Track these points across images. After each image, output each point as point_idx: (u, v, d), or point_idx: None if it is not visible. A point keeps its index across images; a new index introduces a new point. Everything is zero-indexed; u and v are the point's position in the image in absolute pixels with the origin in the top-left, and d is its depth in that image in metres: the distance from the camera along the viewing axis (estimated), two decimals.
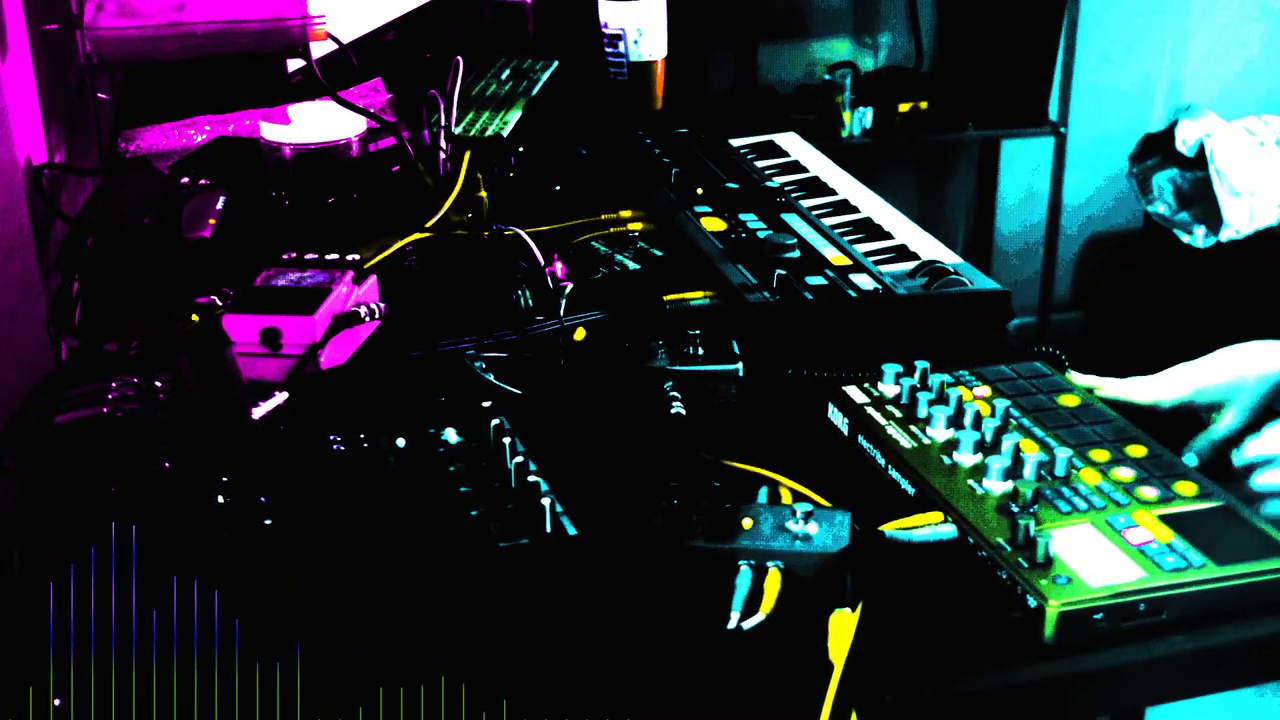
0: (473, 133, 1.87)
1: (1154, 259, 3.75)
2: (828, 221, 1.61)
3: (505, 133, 1.87)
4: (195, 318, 1.22)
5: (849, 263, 1.45)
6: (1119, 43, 3.75)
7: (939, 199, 3.91)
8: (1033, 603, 0.94)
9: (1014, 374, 1.25)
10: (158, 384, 1.11)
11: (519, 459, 1.07)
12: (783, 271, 1.39)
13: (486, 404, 1.17)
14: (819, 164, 1.89)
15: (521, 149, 1.86)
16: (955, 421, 1.14)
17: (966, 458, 1.10)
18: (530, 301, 1.46)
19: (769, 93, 3.55)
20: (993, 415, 1.14)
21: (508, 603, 0.96)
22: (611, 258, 1.60)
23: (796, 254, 1.46)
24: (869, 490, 1.12)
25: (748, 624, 0.94)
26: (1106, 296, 3.95)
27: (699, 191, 1.70)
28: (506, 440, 1.09)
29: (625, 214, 1.70)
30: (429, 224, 1.60)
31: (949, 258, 1.48)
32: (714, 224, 1.58)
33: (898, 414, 1.18)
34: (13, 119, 1.38)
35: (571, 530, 1.00)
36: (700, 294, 1.44)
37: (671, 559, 0.99)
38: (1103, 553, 0.98)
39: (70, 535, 0.93)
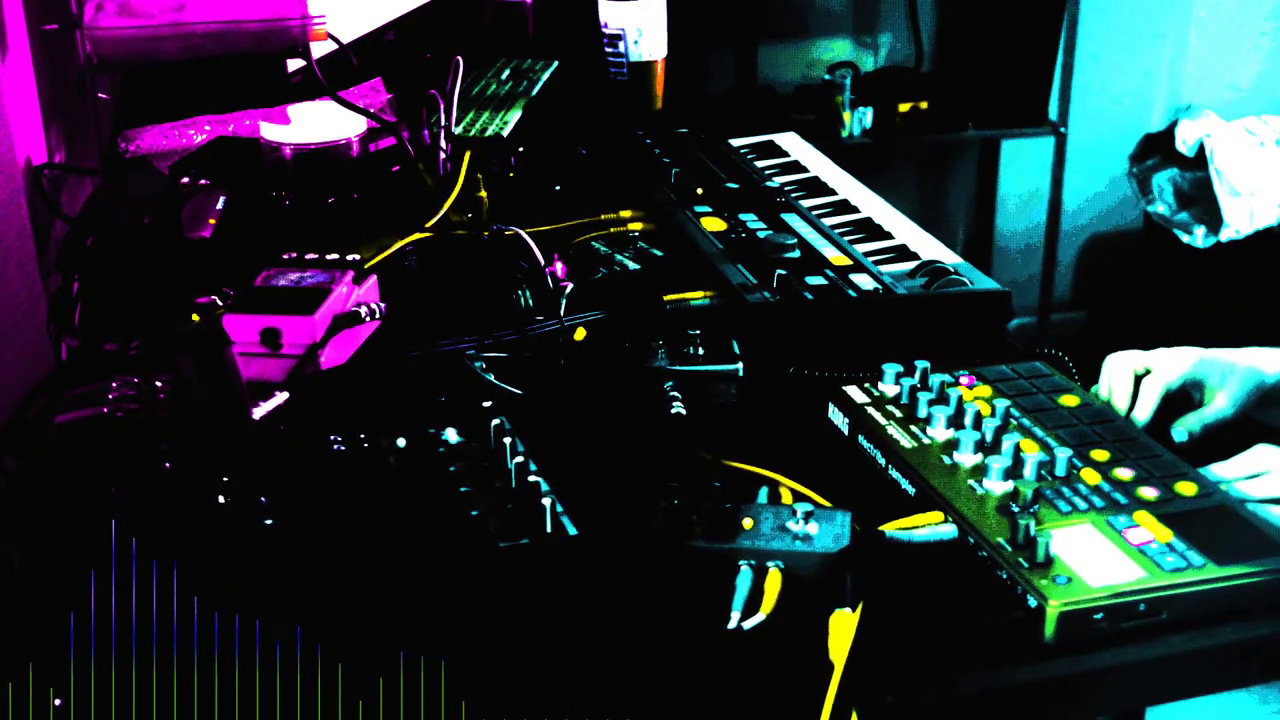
0: (473, 133, 1.87)
1: (1154, 259, 3.75)
2: (828, 221, 1.61)
3: (505, 133, 1.87)
4: (195, 318, 1.22)
5: (849, 263, 1.45)
6: (1119, 43, 3.74)
7: (939, 199, 3.91)
8: (1033, 603, 0.94)
9: (1014, 374, 1.25)
10: (158, 384, 1.11)
11: (519, 459, 1.07)
12: (783, 271, 1.39)
13: (486, 404, 1.17)
14: (819, 164, 1.89)
15: (521, 149, 1.86)
16: (955, 421, 1.14)
17: (966, 458, 1.10)
18: (530, 301, 1.46)
19: (769, 93, 3.55)
20: (993, 415, 1.14)
21: (508, 603, 0.96)
22: (611, 258, 1.60)
23: (796, 254, 1.46)
24: (869, 490, 1.12)
25: (748, 624, 0.94)
26: (1106, 296, 3.95)
27: (699, 191, 1.70)
28: (506, 440, 1.09)
29: (625, 214, 1.70)
30: (429, 224, 1.60)
31: (949, 258, 1.48)
32: (714, 224, 1.58)
33: (898, 414, 1.18)
34: (13, 119, 1.38)
35: (571, 530, 1.00)
36: (700, 294, 1.44)
37: (671, 559, 0.99)
38: (1103, 553, 0.98)
39: (70, 535, 0.94)
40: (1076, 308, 4.03)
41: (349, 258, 1.41)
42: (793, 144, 1.99)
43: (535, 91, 2.09)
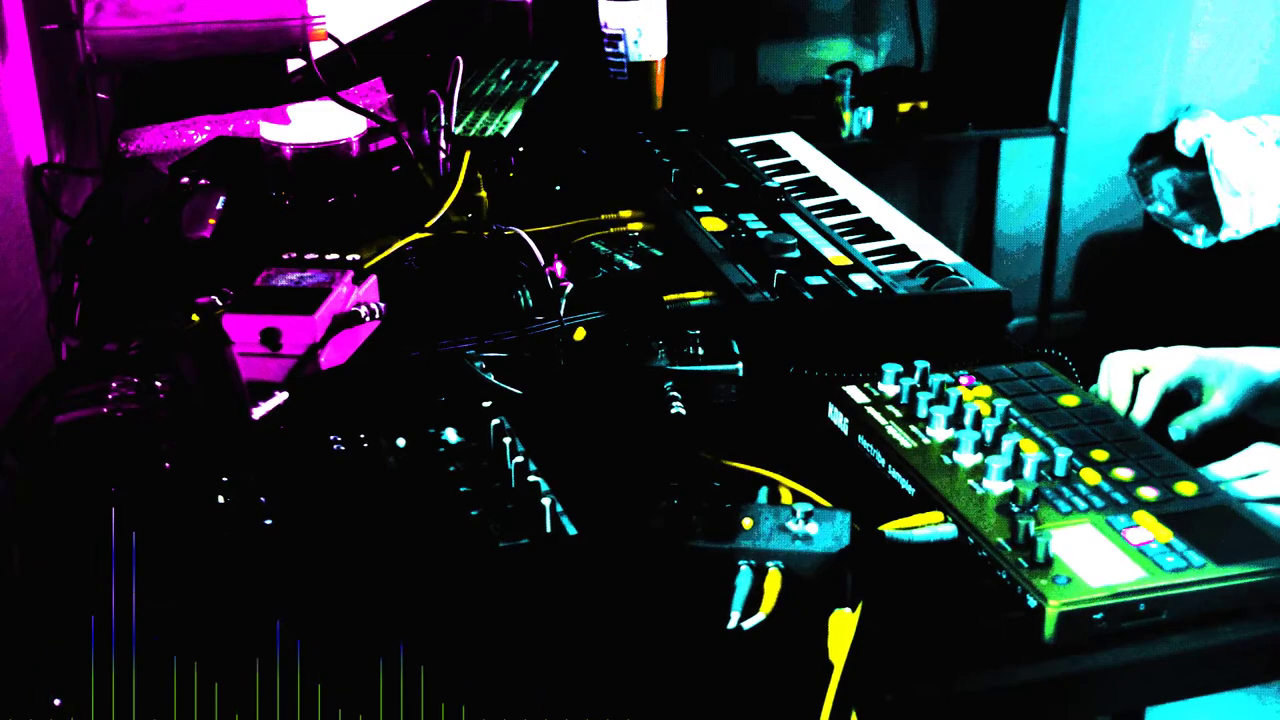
0: (473, 133, 1.87)
1: (1154, 259, 3.75)
2: (828, 221, 1.61)
3: (505, 133, 1.87)
4: (195, 318, 1.22)
5: (849, 263, 1.45)
6: (1119, 43, 3.74)
7: (939, 199, 3.91)
8: (1033, 603, 0.94)
9: (1014, 374, 1.25)
10: (158, 384, 1.11)
11: (519, 459, 1.07)
12: (783, 271, 1.39)
13: (486, 404, 1.17)
14: (819, 164, 1.89)
15: (521, 149, 1.86)
16: (955, 421, 1.14)
17: (966, 458, 1.10)
18: (530, 301, 1.46)
19: (769, 93, 3.55)
20: (993, 415, 1.14)
21: (507, 603, 0.96)
22: (611, 258, 1.60)
23: (796, 254, 1.46)
24: (869, 490, 1.12)
25: (748, 624, 0.94)
26: (1106, 296, 3.95)
27: (699, 191, 1.70)
28: (506, 440, 1.09)
29: (625, 214, 1.70)
30: (429, 224, 1.60)
31: (949, 258, 1.48)
32: (714, 224, 1.58)
33: (898, 414, 1.18)
34: (13, 119, 1.38)
35: (571, 530, 1.00)
36: (700, 294, 1.44)
37: (671, 559, 0.99)
38: (1103, 553, 0.98)
39: (70, 535, 0.94)
40: (1076, 308, 4.03)
41: (349, 258, 1.41)
42: (793, 144, 1.99)
43: (535, 91, 2.09)
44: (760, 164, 1.87)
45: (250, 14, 1.47)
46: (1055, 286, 3.94)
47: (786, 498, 1.09)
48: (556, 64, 2.23)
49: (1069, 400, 1.20)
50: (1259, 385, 1.26)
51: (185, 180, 1.53)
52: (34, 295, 1.36)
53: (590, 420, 1.21)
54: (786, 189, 1.73)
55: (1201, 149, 3.57)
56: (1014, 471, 1.07)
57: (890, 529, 1.03)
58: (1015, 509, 1.02)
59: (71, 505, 0.99)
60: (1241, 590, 0.96)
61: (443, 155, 1.71)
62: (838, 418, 1.21)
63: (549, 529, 0.99)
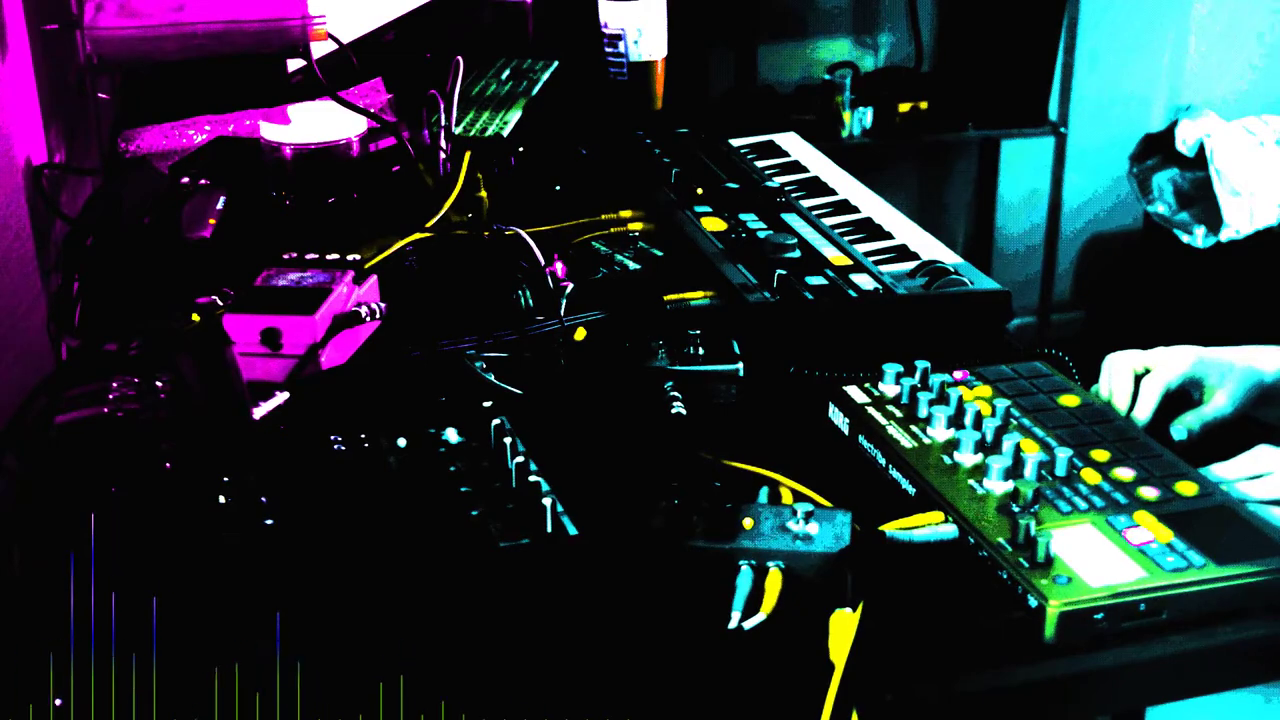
0: (473, 133, 1.87)
1: (1154, 259, 3.75)
2: (828, 221, 1.61)
3: (505, 133, 1.87)
4: (195, 318, 1.22)
5: (849, 263, 1.45)
6: (1119, 43, 3.74)
7: (939, 199, 3.91)
8: (1033, 603, 0.94)
9: (1014, 374, 1.25)
10: (158, 384, 1.11)
11: (519, 459, 1.07)
12: (783, 271, 1.39)
13: (487, 404, 1.17)
14: (819, 164, 1.89)
15: (521, 149, 1.86)
16: (956, 421, 1.14)
17: (967, 458, 1.10)
18: (530, 301, 1.46)
19: (769, 93, 3.55)
20: (993, 415, 1.14)
21: (508, 603, 0.96)
22: (611, 258, 1.60)
23: (796, 254, 1.46)
24: (869, 490, 1.12)
25: (748, 624, 0.94)
26: (1106, 296, 3.95)
27: (699, 191, 1.70)
28: (507, 440, 1.09)
29: (625, 214, 1.70)
30: (429, 224, 1.60)
31: (949, 258, 1.48)
32: (714, 224, 1.58)
33: (898, 414, 1.18)
34: (13, 119, 1.38)
35: (572, 530, 1.00)
36: (700, 294, 1.44)
37: (671, 559, 0.99)
38: (1103, 553, 0.98)
39: (70, 535, 0.93)
40: (1076, 308, 4.03)
41: (349, 258, 1.41)
42: (793, 144, 1.99)
43: (535, 91, 2.09)
44: (760, 164, 1.87)
45: (250, 14, 1.47)
46: (1055, 286, 3.94)
47: (787, 498, 1.09)
48: (556, 64, 2.23)
49: (1069, 400, 1.20)
50: (1260, 385, 1.26)
51: (185, 180, 1.53)
52: (34, 295, 1.36)
53: (590, 420, 1.21)
54: (786, 189, 1.73)
55: (1201, 149, 3.57)
56: (1014, 471, 1.07)
57: (890, 529, 1.03)
58: (1016, 509, 1.02)
59: (71, 505, 0.99)
60: (1241, 590, 0.96)
61: (443, 155, 1.71)
62: (838, 418, 1.21)
63: (549, 529, 0.99)
